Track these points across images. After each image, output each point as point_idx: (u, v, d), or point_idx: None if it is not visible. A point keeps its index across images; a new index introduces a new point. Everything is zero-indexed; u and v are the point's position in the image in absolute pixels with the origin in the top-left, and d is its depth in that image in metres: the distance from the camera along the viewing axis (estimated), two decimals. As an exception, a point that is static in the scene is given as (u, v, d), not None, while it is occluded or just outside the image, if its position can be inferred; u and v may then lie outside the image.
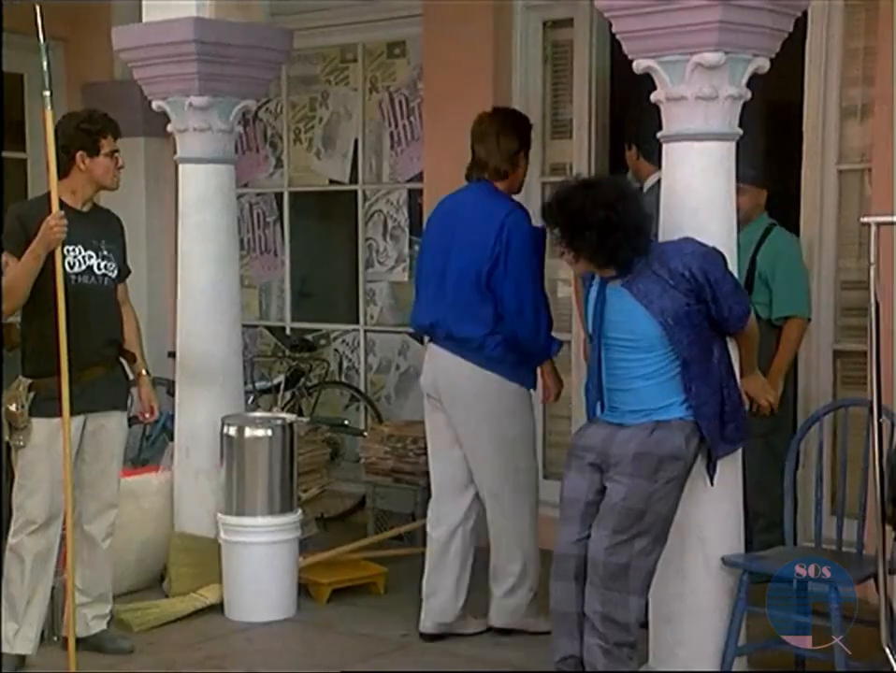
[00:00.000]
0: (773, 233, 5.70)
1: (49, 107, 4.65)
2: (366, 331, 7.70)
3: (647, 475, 4.16)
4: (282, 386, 7.53)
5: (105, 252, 5.07)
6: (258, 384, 7.60)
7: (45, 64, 4.60)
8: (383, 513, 6.78)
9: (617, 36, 4.42)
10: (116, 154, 5.02)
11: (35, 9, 4.58)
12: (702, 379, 4.21)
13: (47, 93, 4.64)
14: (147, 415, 5.29)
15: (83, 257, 4.98)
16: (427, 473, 6.59)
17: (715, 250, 4.26)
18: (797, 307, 5.63)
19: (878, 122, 5.59)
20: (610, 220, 4.09)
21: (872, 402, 3.97)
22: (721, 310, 4.22)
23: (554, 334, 6.71)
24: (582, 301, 5.82)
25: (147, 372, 5.27)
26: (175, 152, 5.99)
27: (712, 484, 4.32)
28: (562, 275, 6.66)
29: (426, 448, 6.59)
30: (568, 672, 4.29)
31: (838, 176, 5.84)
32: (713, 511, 4.39)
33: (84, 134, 4.97)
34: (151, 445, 7.67)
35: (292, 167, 7.97)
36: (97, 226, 5.08)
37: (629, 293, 4.21)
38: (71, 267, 4.91)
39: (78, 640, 4.87)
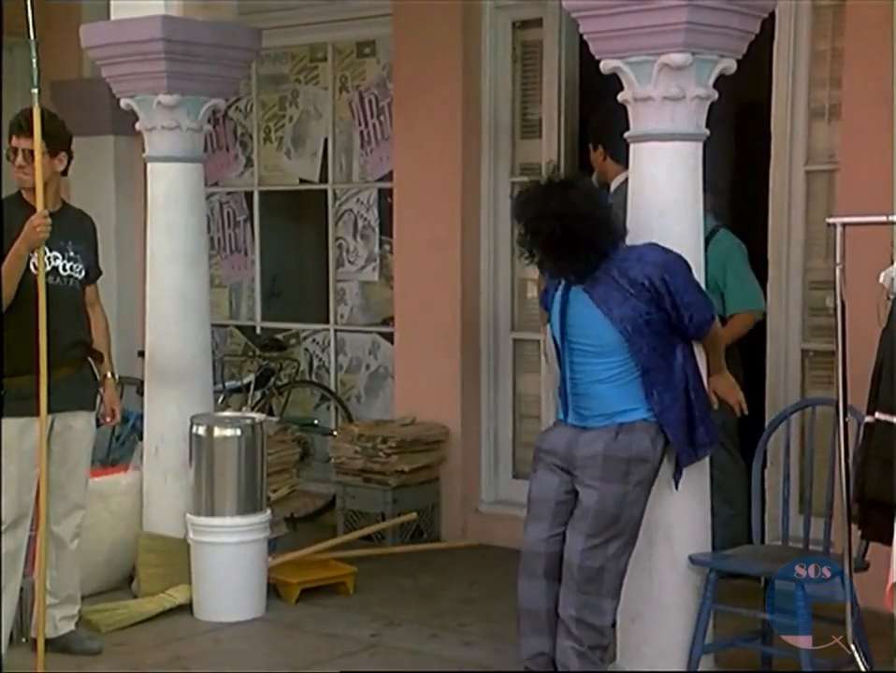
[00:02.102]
0: (718, 235, 5.74)
1: (36, 105, 4.62)
2: (336, 330, 7.69)
3: (618, 478, 4.16)
4: (252, 386, 7.52)
5: (71, 253, 5.04)
6: (228, 384, 7.57)
7: (34, 61, 4.57)
8: (353, 513, 6.77)
9: (584, 37, 4.44)
10: (14, 153, 4.90)
11: (25, 6, 4.55)
12: (664, 386, 4.21)
13: (35, 91, 4.60)
14: (108, 419, 5.26)
15: (48, 258, 4.94)
16: (397, 472, 6.64)
17: (678, 257, 4.25)
18: (751, 304, 5.71)
19: (846, 124, 5.62)
20: (577, 230, 4.11)
21: (837, 401, 3.99)
22: (682, 319, 4.22)
23: (524, 333, 6.84)
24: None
25: (113, 375, 5.25)
26: (144, 151, 5.96)
27: (677, 488, 4.33)
28: (531, 274, 6.66)
29: (395, 447, 6.65)
30: (538, 671, 4.30)
31: (806, 176, 5.87)
32: (680, 510, 4.41)
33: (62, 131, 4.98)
34: (121, 445, 7.64)
35: (262, 166, 7.95)
36: (65, 227, 5.03)
37: (590, 298, 4.22)
38: (36, 269, 4.88)
39: (46, 641, 4.84)
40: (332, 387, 7.65)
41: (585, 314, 4.23)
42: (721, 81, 4.46)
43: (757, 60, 5.37)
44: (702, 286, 4.37)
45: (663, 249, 4.25)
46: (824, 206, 5.79)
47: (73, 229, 5.11)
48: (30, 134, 4.78)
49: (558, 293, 4.33)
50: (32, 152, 4.80)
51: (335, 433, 7.16)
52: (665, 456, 4.28)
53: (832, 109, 5.77)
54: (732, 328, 5.66)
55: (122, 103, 5.90)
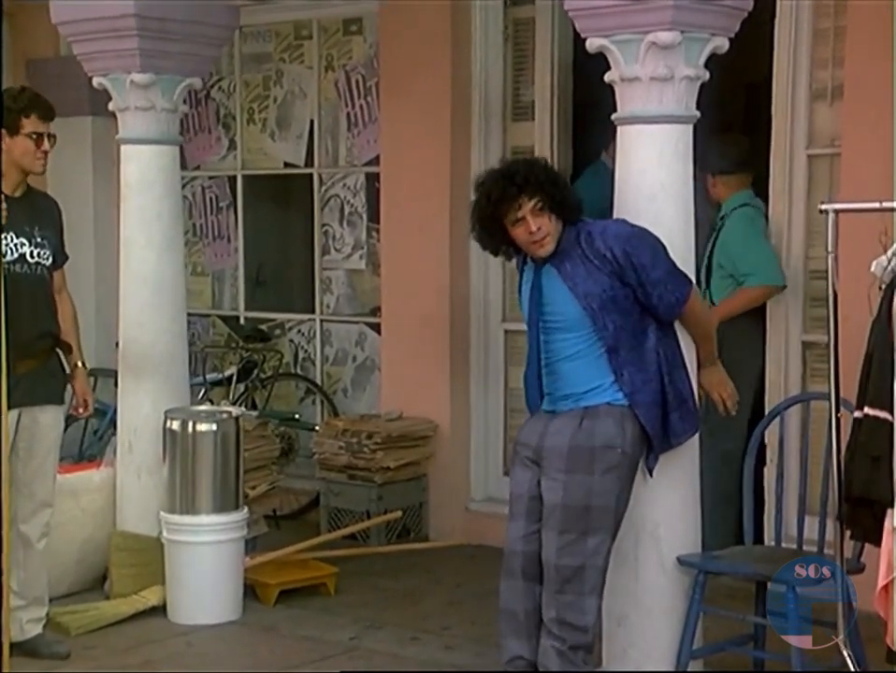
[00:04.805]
0: (727, 218, 5.79)
1: None
2: (322, 321, 7.69)
3: (582, 469, 4.16)
4: (235, 378, 7.51)
5: (38, 239, 5.05)
6: (209, 376, 7.57)
7: None
8: (338, 511, 6.79)
9: (570, 14, 4.43)
10: (39, 137, 4.98)
11: None
12: (635, 366, 4.22)
13: None
14: (80, 410, 5.28)
15: (15, 245, 4.96)
16: (383, 469, 6.65)
17: (645, 233, 4.25)
18: (763, 277, 5.74)
19: (848, 105, 5.60)
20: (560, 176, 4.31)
21: (830, 395, 3.99)
22: (649, 297, 4.23)
23: (516, 324, 6.81)
24: None
25: (83, 364, 5.26)
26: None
27: (651, 476, 4.33)
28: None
29: (381, 443, 6.65)
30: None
31: (807, 161, 5.85)
32: (668, 508, 4.41)
33: (6, 111, 4.94)
34: (98, 440, 7.65)
35: (245, 149, 7.95)
36: (30, 212, 5.05)
37: (558, 274, 4.25)
38: (3, 256, 4.89)
39: (12, 645, 4.83)
40: (318, 380, 7.65)
41: (554, 290, 4.26)
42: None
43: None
44: (678, 265, 4.30)
45: (630, 224, 4.28)
46: (826, 191, 5.77)
47: (39, 213, 5.12)
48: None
49: (528, 275, 4.35)
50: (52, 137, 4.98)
51: (317, 428, 7.16)
52: (641, 444, 4.28)
53: (835, 90, 5.75)
54: (737, 300, 5.72)
55: (95, 82, 5.90)
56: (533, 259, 4.31)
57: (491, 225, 4.26)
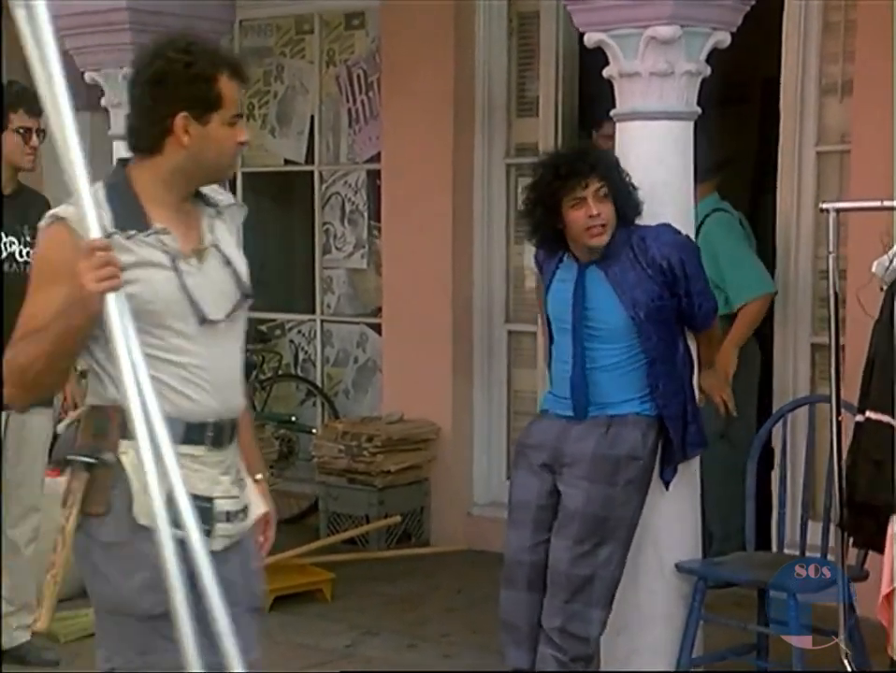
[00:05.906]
0: (707, 221, 5.77)
1: None
2: (322, 321, 7.70)
3: (606, 478, 4.16)
4: (233, 380, 7.51)
5: (28, 238, 5.05)
6: (205, 378, 7.57)
7: None
8: (337, 515, 6.80)
9: (568, 8, 4.44)
10: (28, 132, 5.00)
11: None
12: (668, 378, 4.23)
13: None
14: (70, 413, 5.28)
15: (5, 243, 4.99)
16: (383, 473, 6.65)
17: (690, 240, 4.29)
18: (755, 288, 5.69)
19: (858, 101, 5.60)
20: (613, 177, 4.23)
21: (831, 398, 3.99)
22: (692, 306, 4.25)
23: (520, 325, 6.82)
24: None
25: (74, 367, 5.26)
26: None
27: (667, 489, 4.34)
28: (528, 262, 6.66)
29: (381, 446, 6.66)
30: (516, 682, 4.32)
31: (816, 158, 5.85)
32: (668, 515, 4.42)
33: None
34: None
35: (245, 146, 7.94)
36: (21, 209, 5.07)
37: (606, 278, 4.21)
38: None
39: (1, 652, 4.87)
40: (318, 381, 7.67)
41: (599, 295, 4.22)
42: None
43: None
44: None
45: (676, 230, 4.28)
46: (836, 189, 5.78)
47: (30, 212, 5.12)
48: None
49: (567, 274, 4.29)
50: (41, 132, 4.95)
51: (314, 431, 7.18)
52: (656, 456, 4.29)
53: (845, 86, 5.75)
54: (744, 321, 5.65)
55: (87, 76, 5.90)
56: (576, 257, 4.26)
57: (549, 206, 4.18)
